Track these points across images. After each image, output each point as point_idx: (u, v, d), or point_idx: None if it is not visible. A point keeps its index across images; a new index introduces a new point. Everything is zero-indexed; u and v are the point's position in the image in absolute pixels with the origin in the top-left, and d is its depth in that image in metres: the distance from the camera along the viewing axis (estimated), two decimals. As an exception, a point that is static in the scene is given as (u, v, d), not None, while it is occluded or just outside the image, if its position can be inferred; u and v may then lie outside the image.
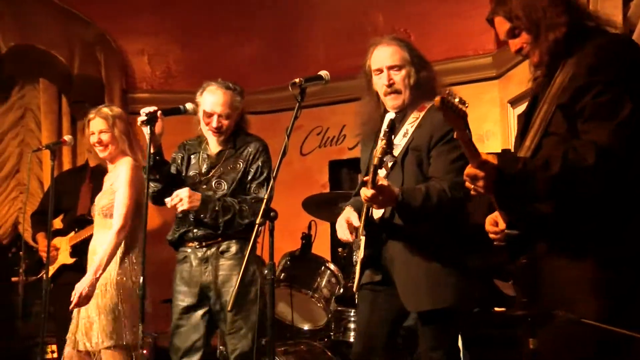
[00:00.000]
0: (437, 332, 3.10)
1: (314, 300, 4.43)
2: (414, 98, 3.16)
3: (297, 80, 2.95)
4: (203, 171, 3.78)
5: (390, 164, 3.05)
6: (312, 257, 4.60)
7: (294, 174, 6.13)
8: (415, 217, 2.99)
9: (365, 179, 2.88)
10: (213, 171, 3.77)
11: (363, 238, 3.10)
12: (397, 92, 3.16)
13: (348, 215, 3.20)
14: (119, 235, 3.86)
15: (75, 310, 3.89)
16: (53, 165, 4.01)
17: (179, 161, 3.87)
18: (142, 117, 3.41)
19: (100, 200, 4.00)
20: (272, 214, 2.78)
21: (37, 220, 5.26)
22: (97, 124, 4.05)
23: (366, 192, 2.84)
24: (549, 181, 2.14)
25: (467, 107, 2.13)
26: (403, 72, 3.16)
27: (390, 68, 3.16)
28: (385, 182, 2.88)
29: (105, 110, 4.10)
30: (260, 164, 3.75)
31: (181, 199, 3.56)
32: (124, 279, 3.89)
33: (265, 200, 2.79)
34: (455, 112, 2.10)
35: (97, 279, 3.79)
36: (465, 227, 3.18)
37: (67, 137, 4.42)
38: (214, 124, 3.72)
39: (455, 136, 2.16)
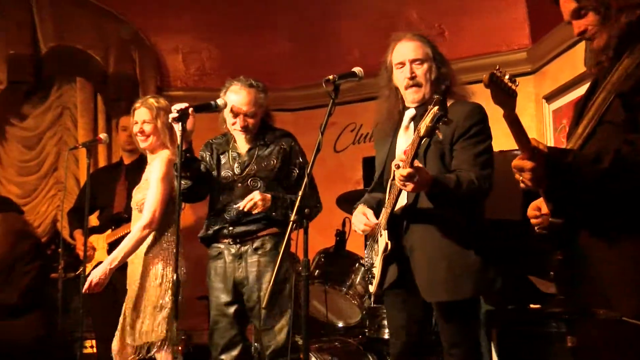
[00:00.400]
0: (457, 326, 3.05)
1: (348, 297, 4.43)
2: (435, 93, 3.14)
3: (330, 77, 2.94)
4: (236, 171, 3.79)
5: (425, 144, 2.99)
6: (346, 254, 4.60)
7: (328, 171, 6.12)
8: (445, 202, 2.97)
9: (401, 160, 2.85)
10: (247, 170, 3.78)
11: (385, 233, 3.08)
12: (418, 85, 3.16)
13: (363, 211, 3.21)
14: (143, 230, 3.84)
15: (125, 305, 3.93)
16: (89, 163, 4.06)
17: (208, 159, 3.88)
18: (174, 114, 3.43)
19: (136, 195, 4.02)
20: (306, 210, 2.77)
21: (73, 218, 5.33)
22: (141, 114, 4.06)
23: (402, 172, 2.79)
24: (598, 175, 2.07)
25: (517, 85, 2.07)
26: (425, 66, 3.17)
27: (412, 61, 3.16)
28: (420, 164, 2.86)
29: (151, 100, 4.11)
30: (300, 160, 3.79)
31: (255, 202, 3.57)
32: (169, 275, 3.92)
33: (299, 198, 2.79)
34: (504, 90, 2.04)
35: (111, 270, 3.80)
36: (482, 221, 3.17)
37: (102, 135, 4.47)
38: (240, 123, 3.74)
39: (503, 116, 2.08)
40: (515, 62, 5.49)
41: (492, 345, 3.98)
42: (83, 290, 3.81)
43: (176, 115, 3.42)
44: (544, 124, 5.26)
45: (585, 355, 2.08)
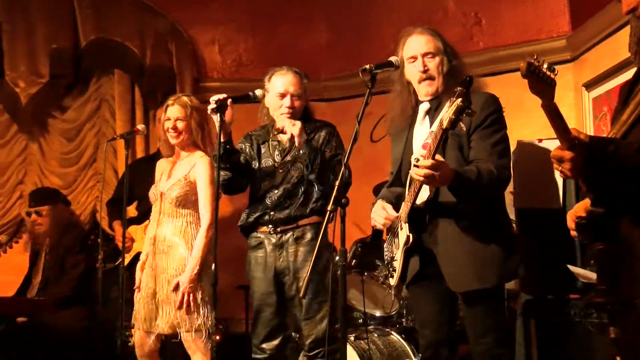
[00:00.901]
0: (483, 315, 3.05)
1: (385, 286, 4.42)
2: (447, 86, 3.12)
3: (367, 66, 2.95)
4: (277, 159, 3.81)
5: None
6: (383, 243, 4.58)
7: (365, 161, 6.10)
8: (468, 195, 2.96)
9: (421, 155, 2.86)
10: (288, 157, 3.79)
11: (406, 226, 3.07)
12: (431, 78, 3.16)
13: (382, 205, 3.22)
14: (209, 231, 3.92)
15: (142, 294, 4.00)
16: (127, 154, 4.10)
17: (247, 151, 3.90)
18: (212, 105, 3.45)
19: (172, 190, 4.06)
20: (343, 200, 2.77)
21: (112, 208, 5.41)
22: (174, 111, 4.10)
23: (425, 163, 2.78)
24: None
25: (556, 74, 2.03)
26: (437, 59, 3.17)
27: (424, 55, 3.17)
28: (441, 158, 2.86)
29: (185, 99, 4.16)
30: (335, 144, 3.80)
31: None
32: (205, 265, 3.96)
33: (336, 187, 2.79)
34: (542, 79, 2.01)
35: (196, 275, 3.88)
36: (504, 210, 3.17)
37: (140, 127, 4.52)
38: (287, 103, 3.75)
39: (542, 106, 2.05)
40: (554, 50, 5.41)
41: (531, 335, 3.95)
42: (177, 307, 3.87)
43: (214, 106, 3.44)
44: (584, 112, 5.18)
45: (628, 347, 2.04)
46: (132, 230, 5.16)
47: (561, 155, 2.08)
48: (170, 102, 4.14)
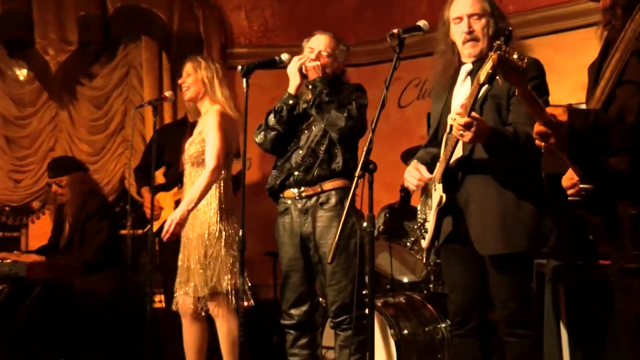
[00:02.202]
0: (509, 279, 3.02)
1: (413, 252, 4.42)
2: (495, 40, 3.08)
3: (395, 31, 2.91)
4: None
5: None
6: (411, 209, 4.57)
7: (393, 126, 6.07)
8: (503, 154, 2.94)
9: (457, 113, 2.85)
10: (312, 118, 3.77)
11: (439, 186, 3.05)
12: (476, 39, 3.12)
13: (416, 166, 3.20)
14: (212, 174, 3.93)
15: (180, 258, 4.03)
16: (155, 121, 4.12)
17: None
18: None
19: (189, 149, 4.09)
20: (371, 166, 2.76)
21: (140, 175, 5.43)
22: (186, 68, 4.26)
23: (460, 120, 2.78)
24: (624, 133, 2.03)
25: (525, 62, 2.07)
26: (483, 20, 3.13)
27: (470, 16, 3.13)
28: (477, 115, 2.84)
29: (197, 57, 4.31)
30: (355, 98, 3.72)
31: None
32: (222, 229, 4.01)
33: (364, 152, 2.77)
34: (513, 68, 2.05)
35: (189, 211, 3.91)
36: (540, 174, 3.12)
37: (167, 93, 4.53)
38: (313, 55, 3.72)
39: (517, 94, 2.10)
40: (587, 11, 5.26)
41: (560, 301, 3.92)
42: (162, 235, 3.92)
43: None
44: (616, 77, 5.09)
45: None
46: (161, 197, 5.18)
47: (544, 131, 2.10)
48: (186, 61, 4.28)
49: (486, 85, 2.70)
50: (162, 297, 5.35)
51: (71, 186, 5.28)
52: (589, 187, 2.20)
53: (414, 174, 3.19)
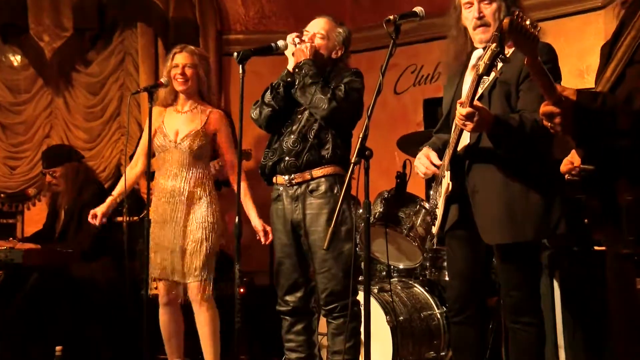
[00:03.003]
0: (516, 268, 3.00)
1: (409, 239, 4.43)
2: (495, 30, 3.05)
3: (391, 17, 2.89)
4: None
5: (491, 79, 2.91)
6: (407, 195, 4.58)
7: (389, 113, 6.07)
8: (508, 143, 2.90)
9: (461, 101, 2.82)
10: None
11: (447, 173, 3.03)
12: (487, 25, 3.07)
13: (427, 153, 3.18)
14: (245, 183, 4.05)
15: (163, 245, 4.09)
16: (151, 107, 4.09)
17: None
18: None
19: (192, 141, 4.10)
20: (367, 152, 2.75)
21: (136, 162, 5.41)
22: (183, 57, 4.18)
23: (462, 111, 2.76)
24: (631, 116, 2.01)
25: (539, 31, 2.02)
26: (494, 5, 3.08)
27: (481, 1, 3.08)
28: (479, 104, 2.81)
29: (191, 47, 4.25)
30: (348, 79, 3.67)
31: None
32: (214, 215, 4.08)
33: (360, 139, 2.76)
34: (525, 35, 2.00)
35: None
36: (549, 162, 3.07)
37: (163, 79, 4.49)
38: (304, 38, 3.71)
39: (526, 63, 2.06)
40: (584, -4, 5.30)
41: (555, 287, 3.94)
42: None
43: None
44: (614, 62, 5.08)
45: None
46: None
47: (551, 111, 2.07)
48: (177, 49, 4.22)
49: (485, 77, 2.69)
50: (159, 283, 5.35)
51: (65, 176, 5.26)
52: (590, 168, 2.18)
53: (423, 162, 3.17)
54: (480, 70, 2.63)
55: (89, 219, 4.25)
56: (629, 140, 2.08)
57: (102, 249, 5.09)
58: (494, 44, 2.54)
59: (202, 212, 4.09)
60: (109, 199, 4.26)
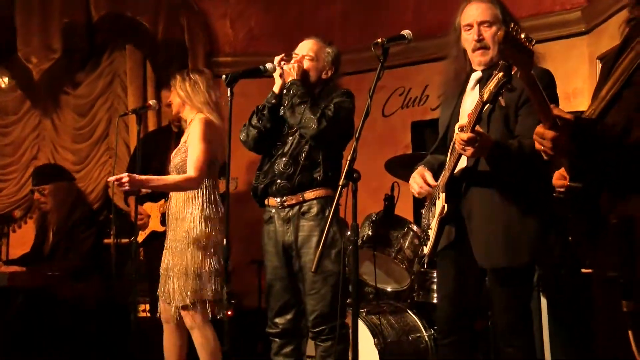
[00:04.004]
0: (510, 292, 3.00)
1: (397, 261, 4.43)
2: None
3: (379, 40, 2.91)
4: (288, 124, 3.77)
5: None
6: (395, 218, 4.58)
7: (377, 135, 6.09)
8: (506, 168, 2.92)
9: (461, 125, 2.83)
10: None
11: (443, 195, 3.03)
12: (486, 47, 3.10)
13: (423, 172, 3.18)
14: (189, 182, 3.94)
15: (162, 267, 4.04)
16: (139, 130, 4.11)
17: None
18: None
19: (175, 158, 4.09)
20: (355, 175, 2.76)
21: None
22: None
23: (462, 136, 2.77)
24: (626, 150, 2.00)
25: (533, 45, 2.03)
26: (493, 28, 3.10)
27: (480, 24, 3.11)
28: (481, 130, 2.82)
29: (177, 73, 4.30)
30: (338, 99, 3.67)
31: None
32: (206, 237, 3.99)
33: (348, 161, 2.77)
34: (521, 48, 2.00)
35: (140, 181, 3.88)
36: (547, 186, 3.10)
37: (151, 102, 4.52)
38: (292, 60, 3.72)
39: (520, 77, 2.05)
40: (569, 21, 5.35)
41: (543, 307, 3.94)
42: (111, 179, 3.89)
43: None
44: (598, 85, 5.14)
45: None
46: (148, 207, 5.16)
47: (542, 133, 2.07)
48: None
49: (489, 105, 2.70)
50: (147, 306, 5.32)
51: (54, 195, 5.24)
52: (578, 186, 2.18)
53: (418, 181, 3.16)
54: (485, 98, 2.64)
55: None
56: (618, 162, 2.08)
57: (91, 269, 5.07)
58: (502, 73, 2.57)
59: (192, 231, 4.00)
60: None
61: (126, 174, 3.86)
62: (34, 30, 6.19)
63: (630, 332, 2.04)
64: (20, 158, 6.43)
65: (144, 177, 3.92)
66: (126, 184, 3.79)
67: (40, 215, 5.44)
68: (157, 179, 3.99)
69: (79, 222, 5.12)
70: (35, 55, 6.18)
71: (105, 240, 5.32)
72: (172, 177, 3.99)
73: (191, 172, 3.94)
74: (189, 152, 3.99)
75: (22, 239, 6.16)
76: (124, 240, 5.32)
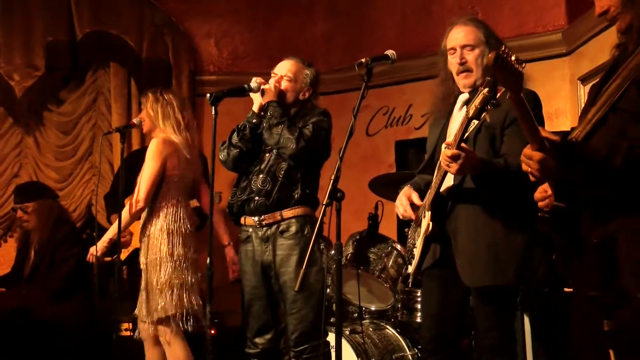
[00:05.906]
0: (495, 310, 3.01)
1: (381, 280, 4.43)
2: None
3: (363, 60, 2.93)
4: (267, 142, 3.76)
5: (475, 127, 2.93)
6: (379, 237, 4.59)
7: (361, 155, 6.11)
8: (492, 186, 2.93)
9: (447, 143, 2.85)
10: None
11: (428, 214, 3.04)
12: (469, 70, 3.13)
13: (409, 193, 3.19)
14: (132, 206, 4.00)
15: (142, 286, 4.03)
16: (123, 148, 4.10)
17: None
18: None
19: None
20: (338, 194, 2.76)
21: (110, 202, 5.37)
22: None
23: (447, 152, 2.79)
24: (610, 174, 2.02)
25: (523, 67, 2.05)
26: (476, 51, 3.14)
27: (463, 47, 3.14)
28: (466, 147, 2.84)
29: (149, 91, 4.32)
30: (315, 119, 3.70)
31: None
32: (171, 253, 3.98)
33: (332, 180, 2.78)
34: (510, 71, 2.02)
35: (105, 242, 4.10)
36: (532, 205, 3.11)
37: (135, 120, 4.50)
38: (271, 81, 3.74)
39: (509, 98, 2.07)
40: (550, 43, 5.42)
41: (526, 325, 3.95)
42: (87, 259, 4.07)
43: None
44: (579, 106, 5.19)
45: (624, 340, 2.04)
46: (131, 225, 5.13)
47: (530, 155, 2.09)
48: None
49: (475, 120, 2.72)
50: (130, 325, 5.27)
51: (37, 213, 5.19)
52: (562, 206, 2.19)
53: (403, 202, 3.18)
54: (471, 114, 2.67)
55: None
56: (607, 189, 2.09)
57: (74, 288, 5.02)
58: (486, 89, 2.59)
59: (156, 248, 4.01)
60: None
61: (89, 252, 4.09)
62: (17, 48, 6.19)
63: (611, 352, 2.05)
64: (1, 175, 6.37)
65: (100, 240, 4.10)
66: (93, 255, 4.05)
67: (22, 234, 5.38)
68: (111, 229, 4.11)
69: (62, 241, 5.07)
70: (17, 72, 6.16)
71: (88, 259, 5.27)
72: (123, 213, 4.04)
73: (136, 194, 4.01)
74: (142, 174, 4.06)
75: (2, 258, 6.10)
76: (107, 259, 5.28)
